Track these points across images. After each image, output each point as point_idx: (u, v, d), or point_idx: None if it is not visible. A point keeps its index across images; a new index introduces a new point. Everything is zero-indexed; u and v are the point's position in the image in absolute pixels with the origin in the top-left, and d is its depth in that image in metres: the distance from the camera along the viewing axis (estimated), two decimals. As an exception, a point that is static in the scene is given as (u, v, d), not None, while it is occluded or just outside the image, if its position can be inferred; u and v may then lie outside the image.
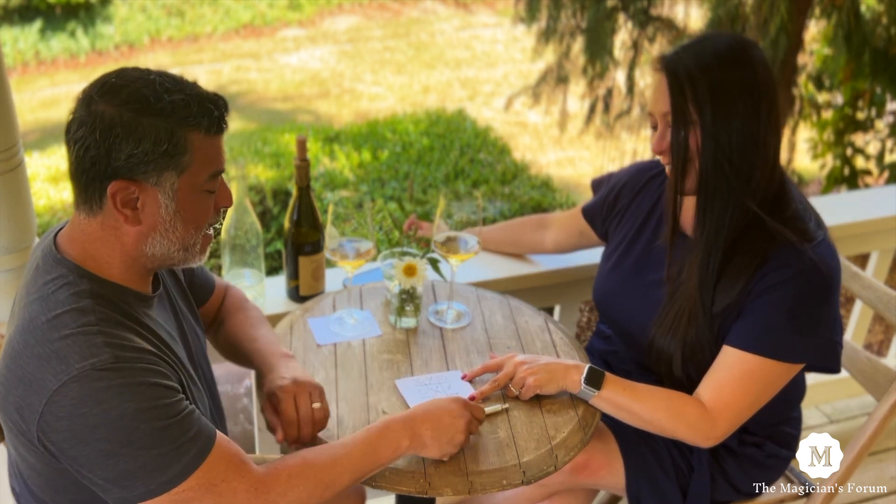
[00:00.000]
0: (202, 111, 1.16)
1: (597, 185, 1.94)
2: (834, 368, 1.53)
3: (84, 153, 1.13)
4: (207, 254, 1.29)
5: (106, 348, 1.10)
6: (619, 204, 1.81)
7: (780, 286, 1.47)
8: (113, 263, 1.20)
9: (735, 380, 1.49)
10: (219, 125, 1.19)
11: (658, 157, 1.59)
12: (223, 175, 1.24)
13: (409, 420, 1.31)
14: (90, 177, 1.14)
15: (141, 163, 1.13)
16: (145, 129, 1.12)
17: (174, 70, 1.23)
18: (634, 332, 1.69)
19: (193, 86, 1.18)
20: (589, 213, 1.91)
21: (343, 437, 1.29)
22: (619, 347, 1.83)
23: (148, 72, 1.17)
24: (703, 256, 1.52)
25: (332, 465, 1.23)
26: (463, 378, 1.55)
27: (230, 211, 1.84)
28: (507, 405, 1.50)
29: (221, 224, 1.30)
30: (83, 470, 1.11)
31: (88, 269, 1.19)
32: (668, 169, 1.54)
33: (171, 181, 1.16)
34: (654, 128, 1.54)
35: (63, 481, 1.17)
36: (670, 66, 1.48)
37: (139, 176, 1.14)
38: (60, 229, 1.26)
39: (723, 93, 1.45)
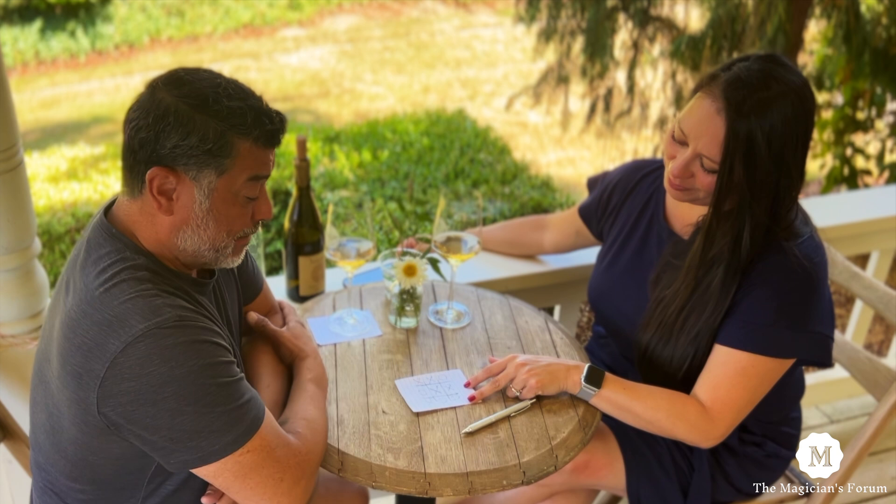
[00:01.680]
0: (256, 122, 1.18)
1: (592, 183, 1.94)
2: (825, 362, 1.53)
3: (135, 134, 1.17)
4: (242, 256, 1.32)
5: (167, 308, 1.13)
6: (612, 203, 1.81)
7: (765, 283, 1.48)
8: (151, 249, 1.23)
9: (729, 378, 1.50)
10: (269, 138, 1.21)
11: (656, 157, 1.58)
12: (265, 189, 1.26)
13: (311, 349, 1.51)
14: (136, 159, 1.18)
15: (184, 155, 1.16)
16: (196, 125, 1.15)
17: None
18: (627, 333, 1.69)
19: (256, 98, 1.21)
20: (584, 212, 1.91)
21: (294, 389, 1.42)
22: (614, 349, 1.83)
23: (217, 75, 1.21)
24: (704, 273, 1.52)
25: (322, 411, 1.37)
26: (466, 385, 1.55)
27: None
28: (532, 399, 1.51)
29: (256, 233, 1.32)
30: (146, 433, 1.12)
31: (140, 247, 1.22)
32: (669, 179, 1.52)
33: (210, 179, 1.18)
34: (682, 143, 1.48)
35: (101, 455, 1.19)
36: (733, 122, 1.40)
37: (180, 167, 1.17)
38: (109, 206, 1.28)
39: (778, 167, 1.42)
